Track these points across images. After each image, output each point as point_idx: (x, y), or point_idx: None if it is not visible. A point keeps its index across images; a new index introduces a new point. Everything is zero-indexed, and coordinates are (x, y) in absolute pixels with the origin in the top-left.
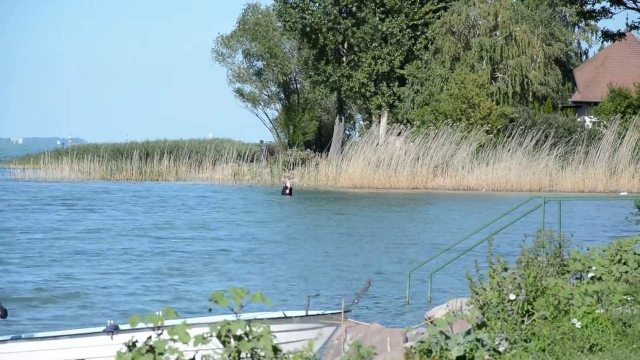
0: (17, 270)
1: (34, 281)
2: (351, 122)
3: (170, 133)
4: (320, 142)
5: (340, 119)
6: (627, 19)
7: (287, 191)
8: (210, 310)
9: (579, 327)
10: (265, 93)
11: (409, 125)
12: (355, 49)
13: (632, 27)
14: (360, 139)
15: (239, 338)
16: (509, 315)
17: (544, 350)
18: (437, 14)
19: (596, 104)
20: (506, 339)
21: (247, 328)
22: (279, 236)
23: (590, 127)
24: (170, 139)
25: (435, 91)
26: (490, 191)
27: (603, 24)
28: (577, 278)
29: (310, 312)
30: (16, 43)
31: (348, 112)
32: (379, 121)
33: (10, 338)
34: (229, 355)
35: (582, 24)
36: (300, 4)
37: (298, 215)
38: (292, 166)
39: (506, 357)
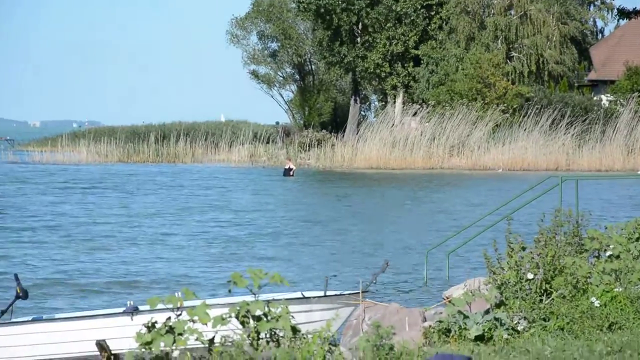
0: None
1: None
2: (366, 103)
3: (185, 115)
4: (336, 123)
5: (356, 100)
6: None
7: (291, 173)
8: (229, 291)
9: (598, 305)
10: (280, 74)
11: (424, 105)
12: (370, 29)
13: None
14: (376, 119)
15: (258, 318)
16: (527, 295)
17: (562, 329)
18: None
19: (612, 82)
20: (524, 318)
21: (266, 309)
22: (295, 218)
23: (607, 105)
24: (186, 121)
25: (450, 71)
26: (506, 171)
27: (619, 1)
28: (595, 257)
29: (328, 293)
30: (34, 27)
31: (363, 93)
32: (395, 102)
33: (32, 319)
34: (248, 336)
35: (597, 2)
36: None
37: (314, 196)
38: (307, 147)
39: (525, 336)
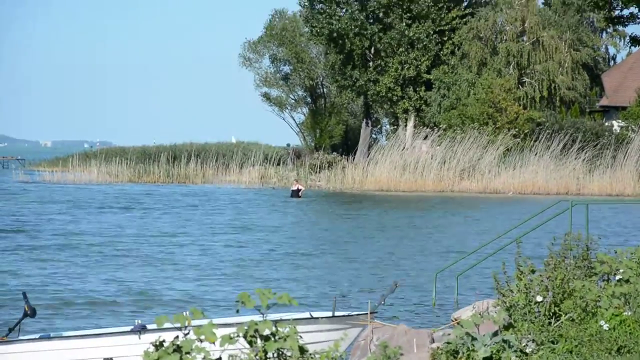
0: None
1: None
2: (378, 126)
3: (197, 136)
4: (347, 146)
5: (367, 123)
6: None
7: (300, 194)
8: (237, 311)
9: (607, 328)
10: (292, 97)
11: (435, 129)
12: (382, 54)
13: None
14: (387, 142)
15: (265, 338)
16: (536, 317)
17: (571, 352)
18: (464, 19)
19: (624, 108)
20: (533, 341)
21: (274, 328)
22: (304, 239)
23: (618, 131)
24: (197, 142)
25: (462, 95)
26: (517, 194)
27: (631, 29)
28: (604, 280)
29: (336, 313)
30: (47, 48)
31: (375, 116)
32: (406, 125)
33: (40, 337)
34: (256, 355)
35: (610, 30)
36: (327, 10)
37: (323, 218)
38: (318, 169)
39: (533, 359)
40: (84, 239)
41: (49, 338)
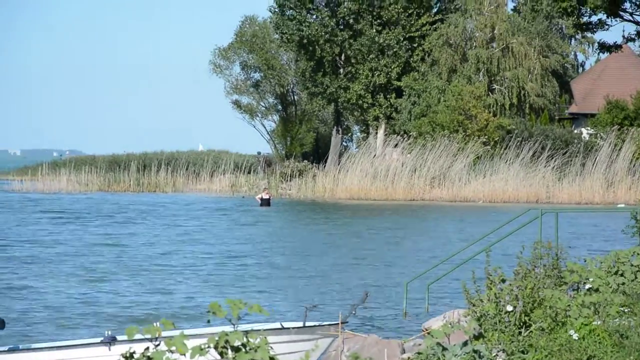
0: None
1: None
2: (348, 133)
3: (167, 144)
4: (318, 154)
5: (338, 131)
6: (623, 31)
7: (267, 202)
8: (208, 321)
9: (576, 338)
10: (263, 105)
11: (406, 136)
12: (353, 60)
13: (629, 39)
14: (358, 150)
15: (236, 349)
16: (506, 327)
17: None
18: (434, 26)
19: (593, 115)
20: (503, 351)
21: (245, 339)
22: (274, 248)
23: (587, 138)
24: (168, 150)
25: (432, 103)
26: (487, 203)
27: (600, 36)
28: (574, 290)
29: (307, 324)
30: (14, 55)
31: (345, 123)
32: (376, 133)
33: (8, 349)
34: None
35: (578, 36)
36: (298, 16)
37: (293, 227)
38: (289, 177)
39: None
40: (52, 251)
41: (17, 350)
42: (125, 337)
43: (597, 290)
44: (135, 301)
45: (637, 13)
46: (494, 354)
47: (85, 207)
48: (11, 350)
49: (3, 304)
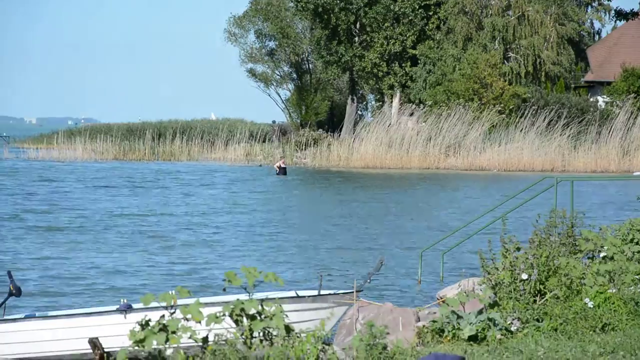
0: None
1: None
2: (363, 102)
3: (182, 113)
4: (333, 123)
5: (353, 99)
6: None
7: (284, 171)
8: (224, 289)
9: (591, 306)
10: (278, 73)
11: (421, 105)
12: (368, 29)
13: None
14: (373, 119)
15: (251, 317)
16: (521, 295)
17: (556, 330)
18: None
19: (609, 83)
20: (518, 319)
21: (260, 307)
22: (289, 217)
23: (603, 107)
24: (183, 119)
25: (447, 71)
26: (502, 171)
27: (616, 3)
28: (589, 258)
29: (322, 292)
30: (31, 26)
31: (360, 92)
32: (391, 101)
33: (25, 316)
34: (242, 334)
35: (595, 3)
36: None
37: (309, 196)
38: (304, 146)
39: (518, 337)
40: (62, 220)
41: (34, 317)
42: (141, 305)
43: (612, 258)
44: (149, 269)
45: None
46: (508, 322)
47: (119, 175)
48: (27, 318)
49: (25, 271)
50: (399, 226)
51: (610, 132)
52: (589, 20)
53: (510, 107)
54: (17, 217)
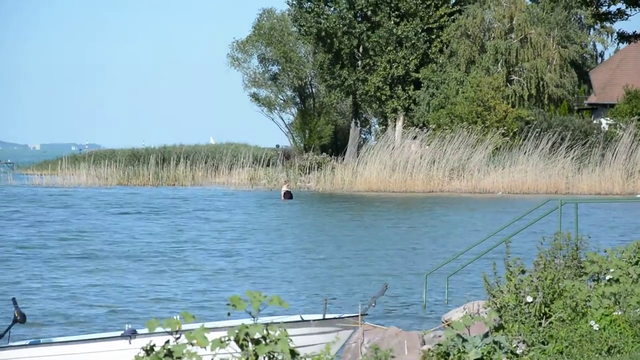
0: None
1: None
2: (367, 126)
3: (185, 138)
4: (336, 146)
5: (356, 123)
6: None
7: (290, 195)
8: (229, 314)
9: (597, 329)
10: (281, 97)
11: (424, 128)
12: (371, 52)
13: None
14: (376, 142)
15: (256, 342)
16: (526, 318)
17: (561, 353)
18: (452, 17)
19: (612, 106)
20: (524, 342)
21: (265, 331)
22: (294, 241)
23: (607, 129)
24: (186, 144)
25: (450, 94)
26: (506, 194)
27: (619, 25)
28: (594, 280)
29: (327, 316)
30: (33, 51)
31: (364, 116)
32: (395, 125)
33: (29, 343)
34: (247, 359)
35: (597, 26)
36: (316, 9)
37: (313, 219)
38: (308, 170)
39: None
40: (69, 245)
41: (38, 344)
42: (145, 331)
43: (617, 280)
44: (155, 294)
45: None
46: (514, 345)
47: (133, 201)
48: (32, 345)
49: (29, 297)
50: (404, 249)
51: (614, 155)
52: (591, 43)
53: (514, 129)
54: (29, 243)
